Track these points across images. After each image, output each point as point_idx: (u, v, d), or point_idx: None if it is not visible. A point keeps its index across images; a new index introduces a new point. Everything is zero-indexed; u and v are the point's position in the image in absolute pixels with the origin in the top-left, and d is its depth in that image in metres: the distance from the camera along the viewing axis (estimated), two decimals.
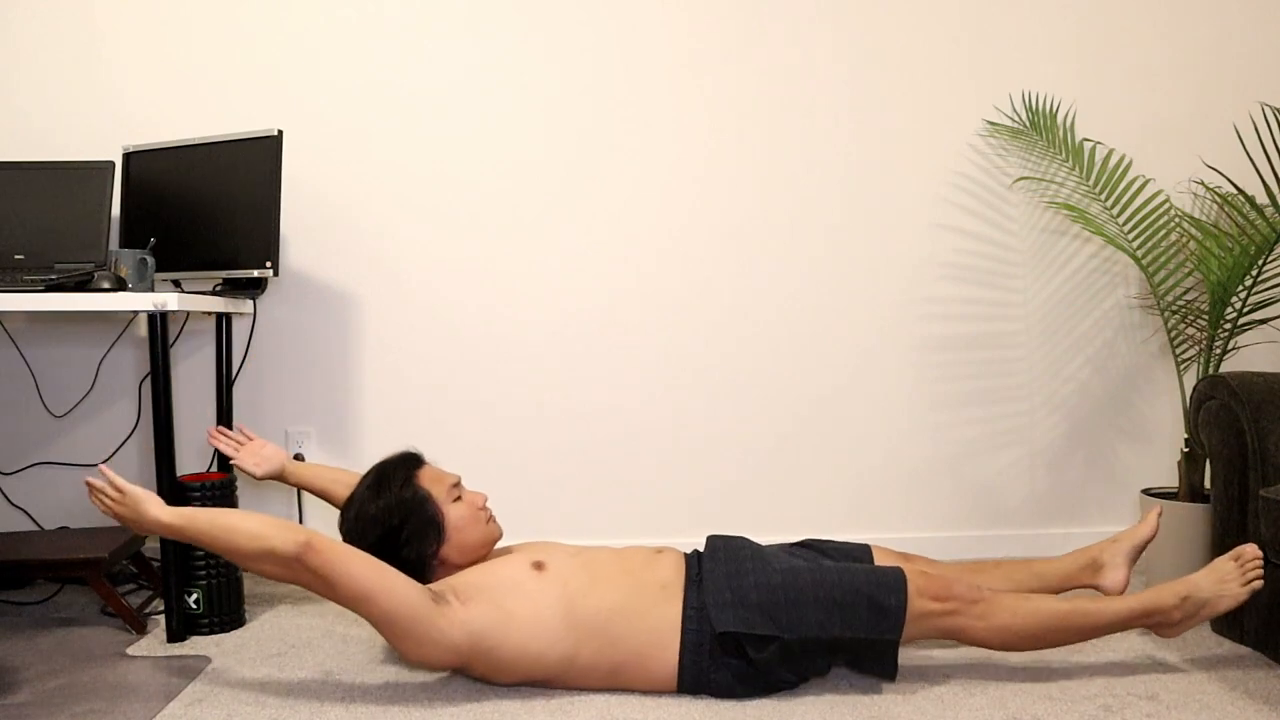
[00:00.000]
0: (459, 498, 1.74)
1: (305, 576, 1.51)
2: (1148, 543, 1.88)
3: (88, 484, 1.60)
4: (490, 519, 1.76)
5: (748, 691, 1.63)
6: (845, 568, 1.66)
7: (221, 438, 2.12)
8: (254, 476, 2.05)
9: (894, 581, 1.61)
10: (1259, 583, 1.69)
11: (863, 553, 1.85)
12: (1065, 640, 1.69)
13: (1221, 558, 1.74)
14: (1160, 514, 1.89)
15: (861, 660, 1.63)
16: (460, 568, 1.72)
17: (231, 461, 2.09)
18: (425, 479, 1.73)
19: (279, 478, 2.08)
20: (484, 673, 1.63)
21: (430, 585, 1.61)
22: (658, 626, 1.61)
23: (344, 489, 2.02)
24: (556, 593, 1.61)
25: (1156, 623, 1.70)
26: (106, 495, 1.58)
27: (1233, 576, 1.71)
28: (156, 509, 1.56)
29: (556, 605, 1.60)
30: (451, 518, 1.71)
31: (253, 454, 2.08)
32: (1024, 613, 1.64)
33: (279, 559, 1.50)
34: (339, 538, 1.67)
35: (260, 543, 1.50)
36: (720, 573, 1.66)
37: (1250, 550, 1.71)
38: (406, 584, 1.54)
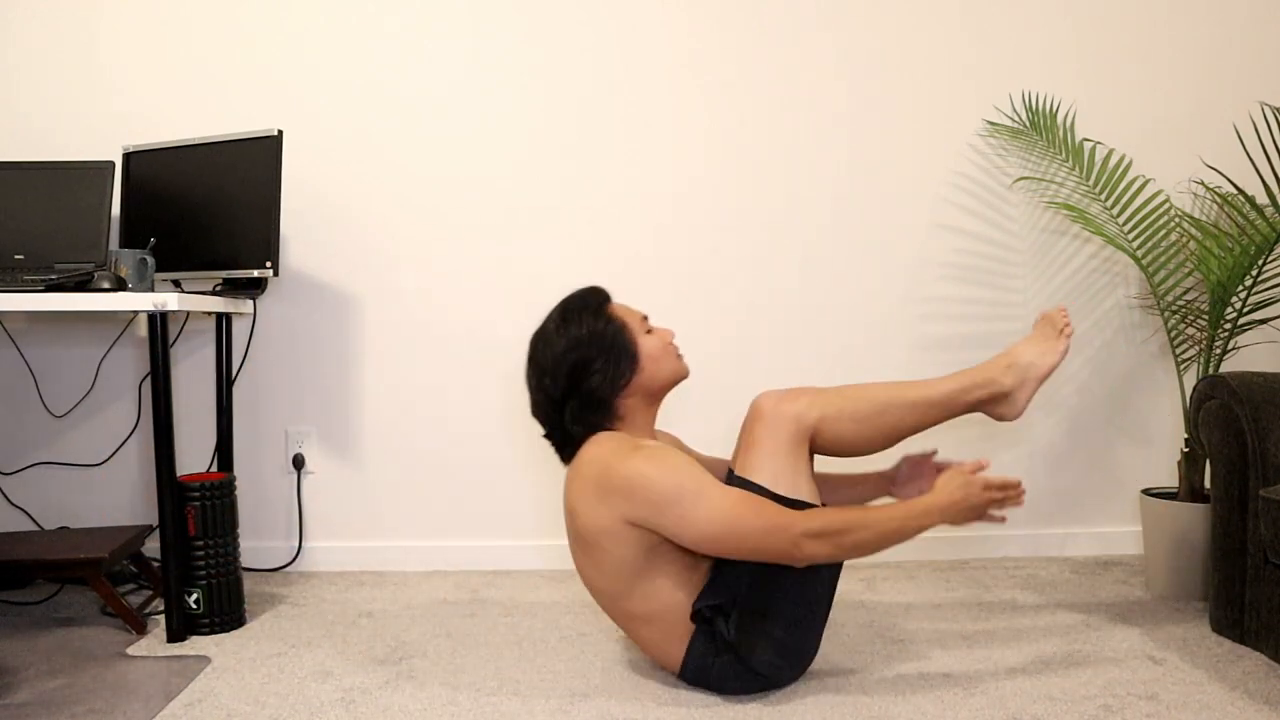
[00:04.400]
0: (650, 331, 1.72)
1: (789, 557, 1.53)
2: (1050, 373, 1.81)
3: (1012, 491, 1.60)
4: (679, 355, 1.74)
5: (744, 687, 1.63)
6: None
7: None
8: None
9: (737, 481, 1.62)
10: (1071, 329, 1.77)
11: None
12: (905, 421, 1.68)
13: (1035, 326, 1.82)
14: (1068, 336, 1.81)
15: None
16: (647, 400, 1.70)
17: (896, 476, 1.93)
18: (617, 310, 1.71)
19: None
20: (597, 534, 1.61)
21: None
22: (685, 610, 1.62)
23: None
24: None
25: (990, 394, 1.72)
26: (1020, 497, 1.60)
27: (1048, 334, 1.78)
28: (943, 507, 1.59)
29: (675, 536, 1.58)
30: (646, 348, 1.69)
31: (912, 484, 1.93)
32: (853, 395, 1.66)
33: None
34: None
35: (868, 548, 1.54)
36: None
37: (1057, 311, 1.80)
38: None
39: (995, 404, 1.75)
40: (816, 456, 1.69)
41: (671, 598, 1.61)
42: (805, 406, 1.63)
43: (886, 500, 1.83)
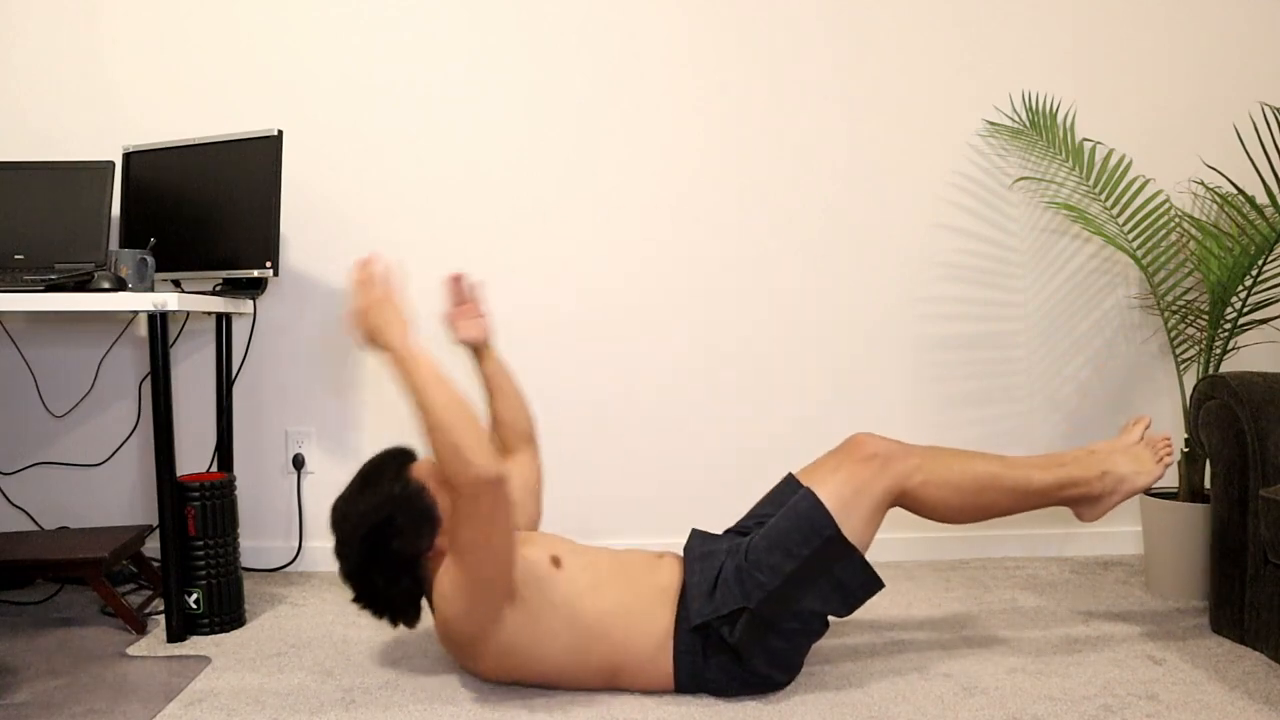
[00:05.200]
0: None
1: (468, 496, 1.46)
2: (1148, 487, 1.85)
3: (360, 264, 1.56)
4: None
5: (741, 689, 1.63)
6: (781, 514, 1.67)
7: (454, 284, 1.94)
8: (455, 337, 1.94)
9: (803, 492, 1.64)
10: (1170, 459, 1.81)
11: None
12: (999, 504, 1.71)
13: (1132, 439, 1.84)
14: (1166, 466, 1.83)
15: (835, 589, 1.61)
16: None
17: (446, 316, 1.95)
18: (419, 472, 1.69)
19: (475, 352, 1.95)
20: (488, 668, 1.63)
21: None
22: (654, 630, 1.61)
23: (505, 408, 1.95)
24: (565, 591, 1.61)
25: (1081, 495, 1.76)
26: (373, 282, 1.56)
27: (1146, 456, 1.82)
28: (401, 331, 1.54)
29: (566, 606, 1.60)
30: (445, 508, 1.66)
31: (465, 316, 1.94)
32: (959, 469, 1.68)
33: (468, 466, 1.44)
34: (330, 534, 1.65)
35: (464, 438, 1.44)
36: (696, 570, 1.66)
37: (1161, 439, 1.84)
38: (515, 560, 1.54)
39: (1081, 504, 1.80)
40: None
41: (645, 626, 1.61)
42: (913, 468, 1.66)
43: None
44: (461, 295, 1.95)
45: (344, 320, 1.48)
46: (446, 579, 1.57)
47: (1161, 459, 1.82)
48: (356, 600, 1.69)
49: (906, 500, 1.68)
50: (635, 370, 2.57)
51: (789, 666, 1.64)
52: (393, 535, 1.62)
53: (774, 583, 1.58)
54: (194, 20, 2.53)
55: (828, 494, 1.63)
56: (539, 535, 1.79)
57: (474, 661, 1.64)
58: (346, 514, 1.65)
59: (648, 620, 1.61)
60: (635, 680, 1.64)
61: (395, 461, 1.70)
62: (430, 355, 1.52)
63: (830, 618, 1.69)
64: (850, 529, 1.62)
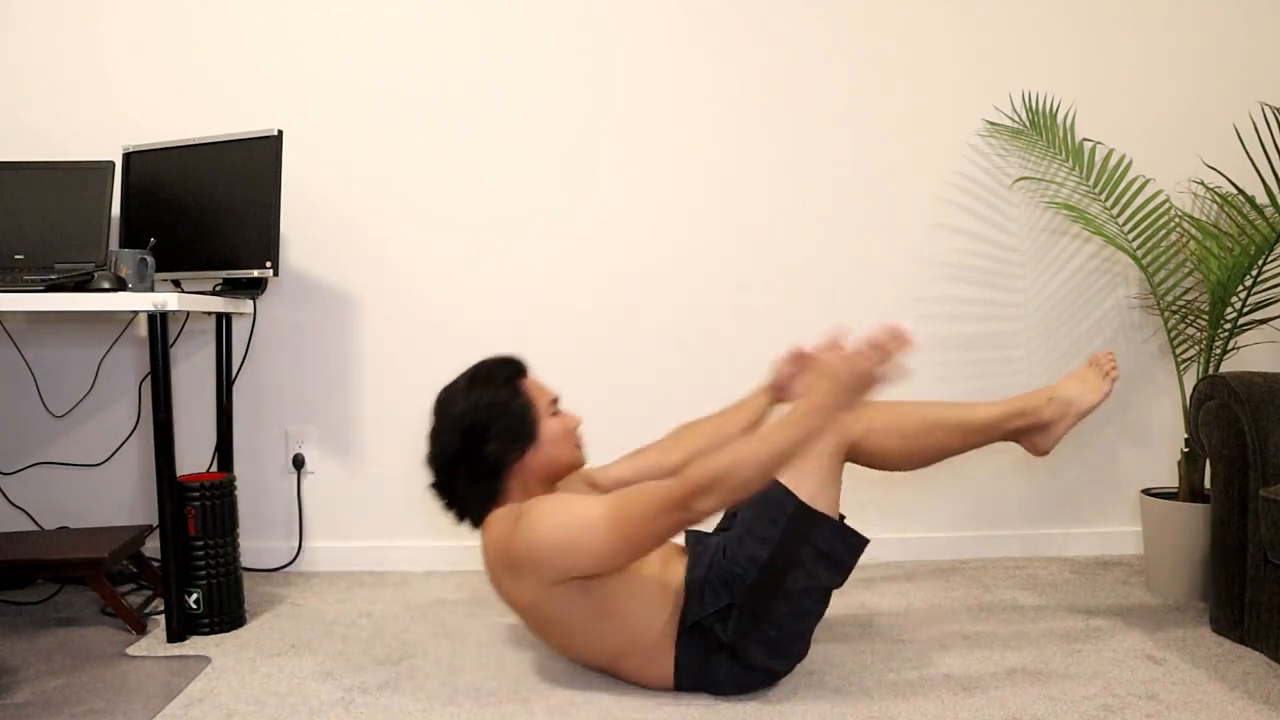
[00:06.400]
0: (556, 413, 1.71)
1: (685, 515, 1.47)
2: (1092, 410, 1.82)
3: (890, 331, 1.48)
4: (579, 445, 1.73)
5: (744, 686, 1.63)
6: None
7: (799, 356, 1.86)
8: (786, 395, 1.88)
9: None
10: (1116, 373, 1.83)
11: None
12: (947, 444, 1.71)
13: (1081, 367, 1.87)
14: (1113, 380, 1.83)
15: (818, 561, 1.59)
16: (533, 481, 1.68)
17: (778, 381, 1.89)
18: (528, 385, 1.70)
19: (775, 394, 1.92)
20: (534, 621, 1.61)
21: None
22: (657, 624, 1.61)
23: (732, 435, 1.88)
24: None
25: (1030, 424, 1.76)
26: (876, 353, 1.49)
27: (1092, 375, 1.83)
28: (843, 399, 1.49)
29: (594, 581, 1.58)
30: (547, 430, 1.67)
31: (796, 383, 1.87)
32: (901, 413, 1.69)
33: (721, 501, 1.46)
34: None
35: (754, 486, 1.46)
36: (691, 571, 1.66)
37: (1103, 353, 1.86)
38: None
39: (1032, 434, 1.80)
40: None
41: (646, 621, 1.61)
42: (853, 417, 1.64)
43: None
44: (804, 362, 1.87)
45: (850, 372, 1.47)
46: (563, 515, 1.53)
47: (1108, 374, 1.81)
48: (434, 487, 1.69)
49: (856, 453, 1.67)
50: (634, 370, 2.57)
51: (789, 654, 1.64)
52: (489, 439, 1.63)
53: (752, 573, 1.57)
54: (194, 20, 2.53)
55: (783, 470, 1.60)
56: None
57: (513, 583, 1.60)
58: (452, 403, 1.66)
59: (656, 612, 1.61)
60: (635, 670, 1.64)
61: (508, 369, 1.70)
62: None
63: (831, 595, 1.67)
64: (811, 495, 1.59)
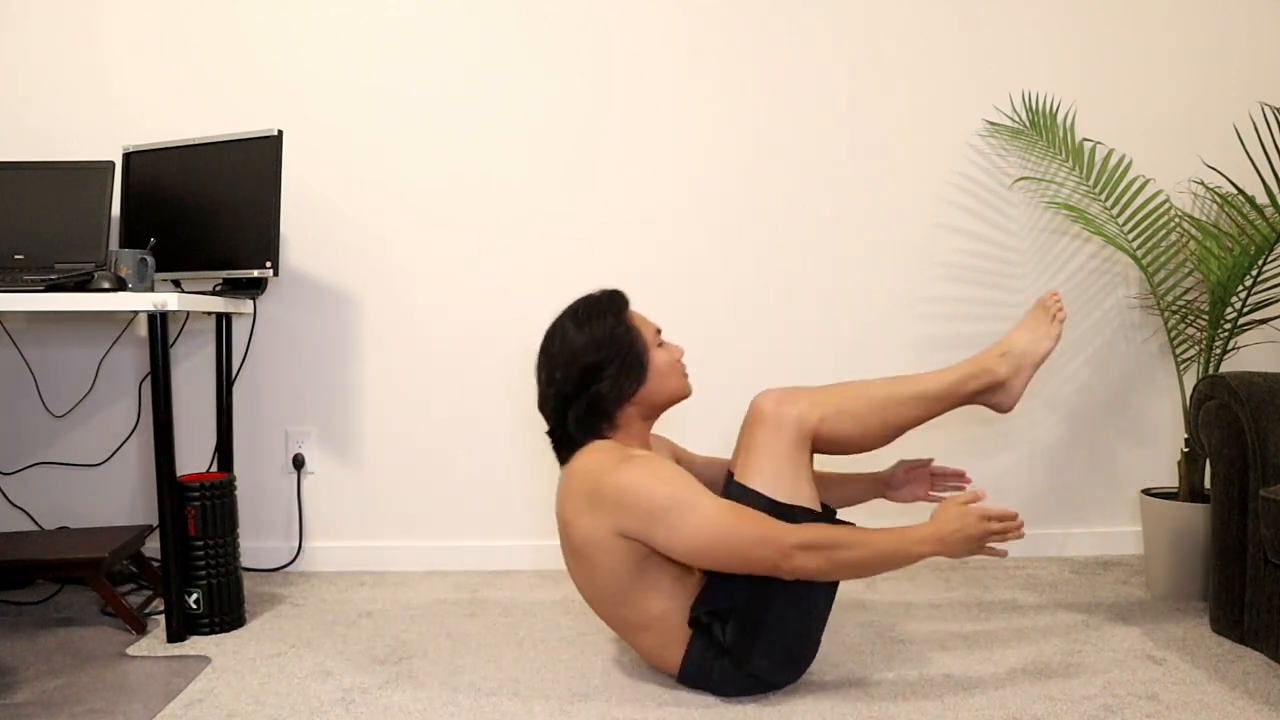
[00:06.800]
0: (662, 344, 1.71)
1: (780, 568, 1.51)
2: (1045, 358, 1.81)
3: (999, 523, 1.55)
4: (685, 374, 1.73)
5: (742, 689, 1.63)
6: None
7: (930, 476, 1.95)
8: (899, 498, 1.96)
9: (732, 484, 1.62)
10: (1063, 314, 1.78)
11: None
12: (905, 416, 1.69)
13: (1028, 313, 1.82)
14: (1061, 321, 1.81)
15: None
16: (646, 413, 1.69)
17: (889, 479, 1.96)
18: (634, 318, 1.69)
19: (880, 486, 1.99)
20: (583, 534, 1.59)
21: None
22: (678, 612, 1.61)
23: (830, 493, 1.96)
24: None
25: (987, 385, 1.73)
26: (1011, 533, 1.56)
27: (1041, 320, 1.79)
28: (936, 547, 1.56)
29: (664, 549, 1.57)
30: (656, 361, 1.67)
31: (906, 492, 1.96)
32: (852, 394, 1.67)
33: (809, 573, 1.52)
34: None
35: (838, 576, 1.54)
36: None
37: (1049, 295, 1.80)
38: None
39: (992, 393, 1.76)
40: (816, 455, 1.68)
41: (665, 606, 1.61)
42: (807, 408, 1.62)
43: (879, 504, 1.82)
44: (925, 480, 1.95)
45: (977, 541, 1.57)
46: (677, 484, 1.53)
47: (1054, 316, 1.78)
48: (551, 433, 1.69)
49: (817, 443, 1.65)
50: None
51: (794, 662, 1.63)
52: (605, 376, 1.63)
53: (742, 577, 1.57)
54: (194, 20, 2.53)
55: (750, 471, 1.61)
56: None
57: (587, 515, 1.58)
58: (565, 341, 1.65)
59: (677, 600, 1.61)
60: (650, 649, 1.65)
61: (615, 302, 1.69)
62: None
63: (835, 591, 1.66)
64: (785, 492, 1.59)
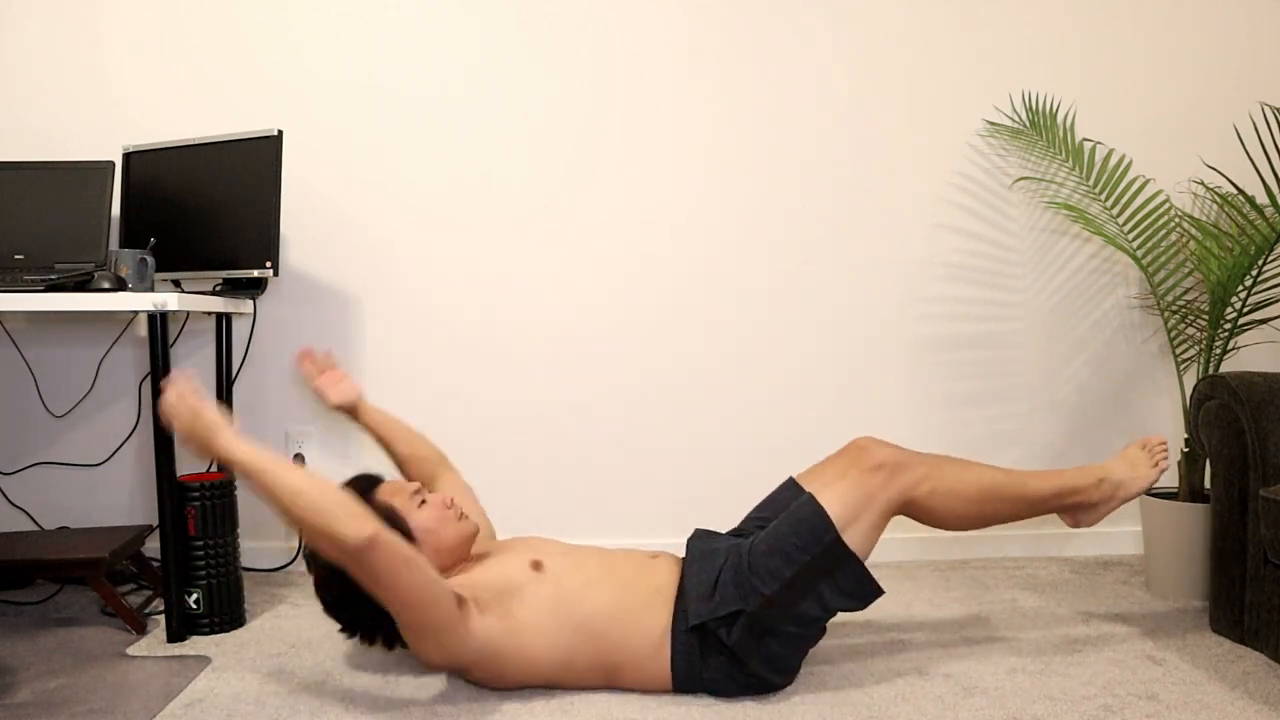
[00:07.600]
0: (423, 502, 1.70)
1: (354, 567, 1.44)
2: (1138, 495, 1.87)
3: (164, 393, 1.48)
4: (461, 516, 1.71)
5: (739, 690, 1.63)
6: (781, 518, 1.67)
7: (306, 361, 2.07)
8: (327, 405, 2.02)
9: (805, 498, 1.65)
10: (1166, 463, 1.86)
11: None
12: (1000, 512, 1.73)
13: (1130, 446, 1.89)
14: (1161, 470, 1.87)
15: (834, 593, 1.61)
16: (445, 564, 1.69)
17: (311, 386, 2.04)
18: (383, 493, 1.69)
19: (351, 413, 2.04)
20: (484, 678, 1.62)
21: (455, 590, 1.54)
22: (651, 629, 1.61)
23: (405, 445, 2.02)
24: (551, 593, 1.60)
25: (1077, 503, 1.80)
26: (179, 405, 1.48)
27: (1143, 460, 1.86)
28: (228, 437, 1.46)
29: (554, 607, 1.59)
30: (419, 523, 1.66)
31: (332, 382, 2.04)
32: (964, 478, 1.71)
33: (336, 543, 1.40)
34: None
35: (323, 518, 1.39)
36: (695, 569, 1.66)
37: (1155, 438, 1.89)
38: (446, 594, 1.49)
39: (1076, 511, 1.83)
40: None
41: (645, 625, 1.61)
42: (920, 478, 1.67)
43: None
44: (320, 365, 2.07)
45: (182, 445, 1.52)
46: (402, 628, 1.54)
47: (1157, 463, 1.85)
48: (343, 631, 1.70)
49: (912, 509, 1.69)
50: (634, 372, 2.57)
51: (786, 669, 1.64)
52: None
53: (772, 587, 1.57)
54: (194, 20, 2.53)
55: (831, 500, 1.63)
56: (519, 540, 1.80)
57: (468, 674, 1.63)
58: (314, 552, 1.64)
59: (644, 619, 1.61)
60: (634, 679, 1.64)
61: (358, 488, 1.69)
62: (263, 449, 1.46)
63: (828, 619, 1.68)
64: (852, 537, 1.62)
